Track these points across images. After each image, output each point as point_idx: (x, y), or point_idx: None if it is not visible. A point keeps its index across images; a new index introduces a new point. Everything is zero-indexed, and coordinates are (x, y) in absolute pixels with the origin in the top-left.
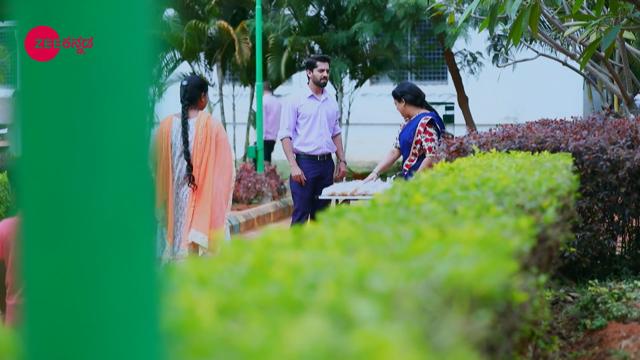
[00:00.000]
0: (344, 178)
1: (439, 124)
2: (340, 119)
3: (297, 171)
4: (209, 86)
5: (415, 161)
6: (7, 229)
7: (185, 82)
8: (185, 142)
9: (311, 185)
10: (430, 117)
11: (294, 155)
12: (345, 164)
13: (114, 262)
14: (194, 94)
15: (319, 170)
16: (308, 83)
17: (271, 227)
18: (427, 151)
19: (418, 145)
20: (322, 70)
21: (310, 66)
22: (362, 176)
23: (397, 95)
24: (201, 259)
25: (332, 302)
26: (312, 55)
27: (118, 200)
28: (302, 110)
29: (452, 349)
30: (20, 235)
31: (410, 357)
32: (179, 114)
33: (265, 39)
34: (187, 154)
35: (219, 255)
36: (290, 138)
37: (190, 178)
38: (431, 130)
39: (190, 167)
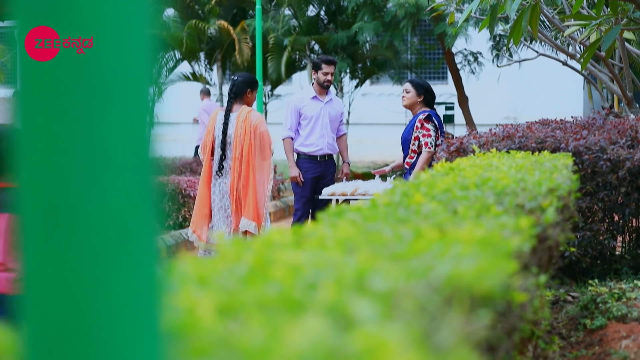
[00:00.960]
0: (344, 178)
1: (437, 119)
2: None
3: (295, 172)
4: (208, 86)
5: (415, 158)
6: None
7: (235, 77)
8: (224, 134)
9: (311, 185)
10: (427, 113)
11: (295, 155)
12: (349, 165)
13: (114, 262)
14: (240, 89)
15: (320, 170)
16: (312, 83)
17: (271, 227)
18: (424, 146)
19: (417, 142)
20: (326, 74)
21: (316, 67)
22: (363, 176)
23: (419, 89)
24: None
25: (332, 302)
26: (319, 57)
27: (118, 201)
28: (305, 111)
29: (452, 349)
30: (20, 235)
31: (410, 357)
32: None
33: (266, 38)
34: (222, 145)
35: (219, 256)
36: (292, 138)
37: (219, 168)
38: (428, 126)
39: (223, 158)
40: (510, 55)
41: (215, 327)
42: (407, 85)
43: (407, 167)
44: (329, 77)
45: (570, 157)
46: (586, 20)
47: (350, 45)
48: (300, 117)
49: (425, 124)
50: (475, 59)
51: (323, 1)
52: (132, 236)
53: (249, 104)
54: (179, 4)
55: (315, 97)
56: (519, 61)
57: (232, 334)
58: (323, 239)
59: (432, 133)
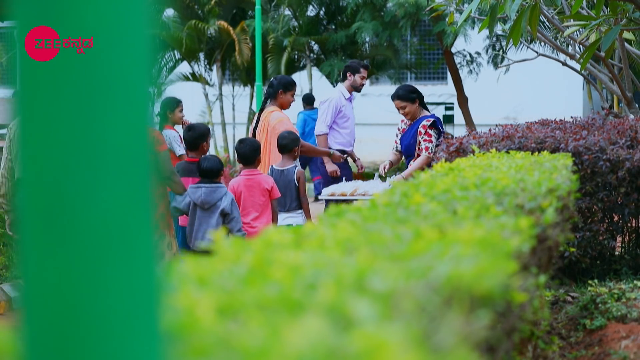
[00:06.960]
0: (344, 178)
1: (440, 125)
2: None
3: (333, 167)
4: (208, 85)
5: None
6: (237, 182)
7: (272, 79)
8: (253, 132)
9: None
10: (432, 119)
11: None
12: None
13: (114, 262)
14: (272, 90)
15: (343, 167)
16: (343, 82)
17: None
18: (423, 150)
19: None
20: (363, 78)
21: (353, 71)
22: (362, 176)
23: (410, 98)
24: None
25: (332, 302)
26: (354, 61)
27: (118, 200)
28: (345, 110)
29: (452, 349)
30: (21, 235)
31: (409, 357)
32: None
33: (265, 39)
34: None
35: (218, 255)
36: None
37: None
38: (431, 132)
39: None
40: (505, 52)
41: (214, 327)
42: (398, 102)
43: None
44: (364, 82)
45: (570, 158)
46: (586, 21)
47: (349, 45)
48: (338, 115)
49: (429, 130)
50: (474, 59)
51: (323, 1)
52: (132, 236)
53: (283, 105)
54: (179, 4)
55: (349, 98)
56: (518, 61)
57: (231, 334)
58: (323, 239)
59: (434, 140)
